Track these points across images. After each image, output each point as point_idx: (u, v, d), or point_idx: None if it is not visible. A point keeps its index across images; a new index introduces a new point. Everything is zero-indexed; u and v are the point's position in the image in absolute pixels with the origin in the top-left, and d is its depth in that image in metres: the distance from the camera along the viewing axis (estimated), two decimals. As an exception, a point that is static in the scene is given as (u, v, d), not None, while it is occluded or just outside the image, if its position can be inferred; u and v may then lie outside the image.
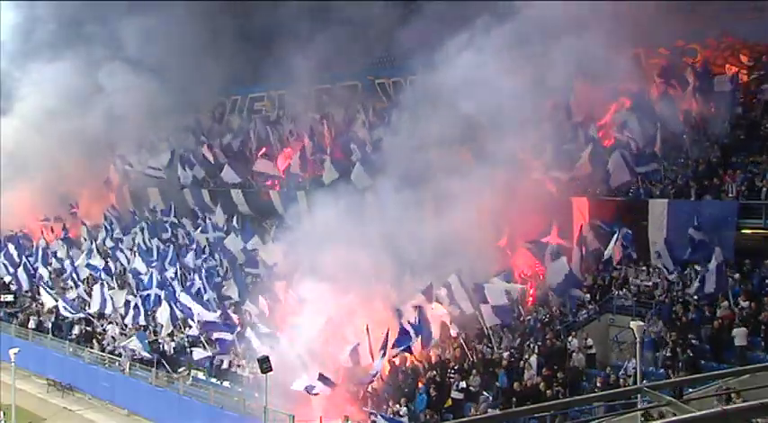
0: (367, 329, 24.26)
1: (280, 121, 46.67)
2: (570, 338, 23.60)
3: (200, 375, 28.71)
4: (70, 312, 34.71)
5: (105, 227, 44.14)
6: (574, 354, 23.03)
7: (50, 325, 35.66)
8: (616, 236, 25.40)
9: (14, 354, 29.33)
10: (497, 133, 27.57)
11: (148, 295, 33.33)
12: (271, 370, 23.20)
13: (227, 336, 27.91)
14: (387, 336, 23.92)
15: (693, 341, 21.62)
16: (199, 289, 31.44)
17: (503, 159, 27.07)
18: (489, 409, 21.26)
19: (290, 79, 42.99)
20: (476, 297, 24.86)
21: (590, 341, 23.72)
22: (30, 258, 41.93)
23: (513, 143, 27.28)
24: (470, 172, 27.52)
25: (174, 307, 30.37)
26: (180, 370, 29.53)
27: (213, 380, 28.07)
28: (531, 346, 23.65)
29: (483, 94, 27.47)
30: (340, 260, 26.39)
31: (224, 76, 47.78)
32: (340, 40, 38.58)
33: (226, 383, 27.27)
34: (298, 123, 44.22)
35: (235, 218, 39.34)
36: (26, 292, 40.25)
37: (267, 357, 23.42)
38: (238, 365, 27.70)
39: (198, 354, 28.69)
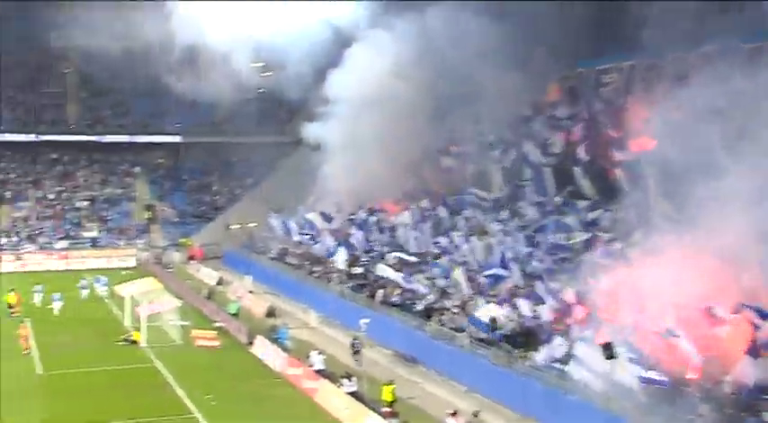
0: None
1: (627, 96, 43.73)
2: None
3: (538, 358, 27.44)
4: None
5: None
6: None
7: (400, 299, 36.82)
8: None
9: (365, 323, 30.99)
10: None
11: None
12: (614, 357, 21.22)
13: None
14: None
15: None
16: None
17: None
18: None
19: (640, 48, 40.02)
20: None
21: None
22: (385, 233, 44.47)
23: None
24: None
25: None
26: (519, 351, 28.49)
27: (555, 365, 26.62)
28: None
29: None
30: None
31: (570, 49, 45.76)
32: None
33: (566, 368, 25.65)
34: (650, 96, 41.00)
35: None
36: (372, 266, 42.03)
37: (610, 343, 21.49)
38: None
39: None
